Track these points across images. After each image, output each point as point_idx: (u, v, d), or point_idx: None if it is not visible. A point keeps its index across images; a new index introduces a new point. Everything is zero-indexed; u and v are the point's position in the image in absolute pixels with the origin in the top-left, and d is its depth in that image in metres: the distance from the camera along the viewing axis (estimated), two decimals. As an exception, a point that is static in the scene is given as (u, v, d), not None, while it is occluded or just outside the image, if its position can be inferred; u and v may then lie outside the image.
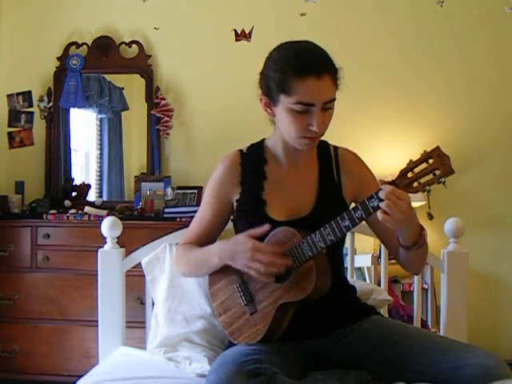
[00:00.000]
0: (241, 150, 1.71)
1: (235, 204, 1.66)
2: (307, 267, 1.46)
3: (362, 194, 1.63)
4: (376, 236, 1.72)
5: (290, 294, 1.48)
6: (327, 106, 1.49)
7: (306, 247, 1.45)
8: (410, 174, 1.36)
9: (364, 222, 1.51)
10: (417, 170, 1.35)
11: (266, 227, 1.49)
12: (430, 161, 1.33)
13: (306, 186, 1.64)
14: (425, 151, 1.34)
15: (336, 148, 1.71)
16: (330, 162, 1.68)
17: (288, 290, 1.48)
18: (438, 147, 1.33)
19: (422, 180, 1.35)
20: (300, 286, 1.47)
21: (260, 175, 1.65)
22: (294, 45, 1.54)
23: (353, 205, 1.67)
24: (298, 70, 1.45)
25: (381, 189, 1.36)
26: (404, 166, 1.38)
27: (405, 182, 1.36)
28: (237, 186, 1.66)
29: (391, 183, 1.36)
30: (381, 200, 1.34)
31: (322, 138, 1.62)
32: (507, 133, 3.44)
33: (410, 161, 1.37)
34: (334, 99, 1.51)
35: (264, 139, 1.72)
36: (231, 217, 1.72)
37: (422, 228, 1.49)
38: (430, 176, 1.34)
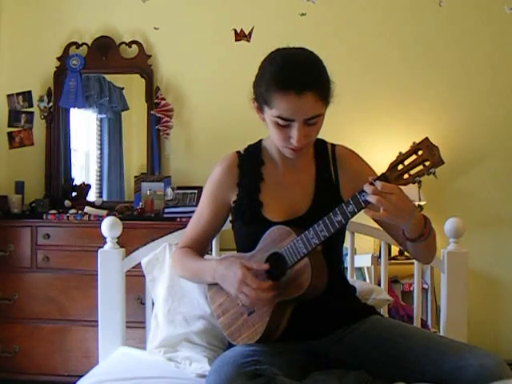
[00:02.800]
0: (238, 152, 1.71)
1: (232, 205, 1.67)
2: (302, 265, 1.46)
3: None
4: (382, 228, 1.71)
5: (287, 291, 1.48)
6: (311, 122, 1.48)
7: (301, 244, 1.45)
8: (400, 167, 1.36)
9: (371, 221, 1.51)
10: (407, 162, 1.35)
11: (265, 266, 1.49)
12: (420, 152, 1.33)
13: (302, 186, 1.64)
14: (414, 143, 1.35)
15: (334, 146, 1.71)
16: (328, 161, 1.68)
17: (284, 288, 1.49)
18: (426, 138, 1.34)
19: (412, 171, 1.35)
20: (296, 283, 1.47)
21: (257, 177, 1.65)
22: (285, 55, 1.51)
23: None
24: (280, 85, 1.44)
25: (371, 183, 1.36)
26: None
27: (395, 174, 1.36)
28: (234, 188, 1.66)
29: (381, 176, 1.37)
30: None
31: (320, 137, 1.62)
32: (507, 133, 3.44)
33: (400, 153, 1.37)
34: (319, 115, 1.49)
35: (261, 140, 1.72)
36: (229, 217, 1.72)
37: (425, 218, 1.48)
38: (420, 167, 1.34)
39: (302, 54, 1.52)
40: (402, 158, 1.36)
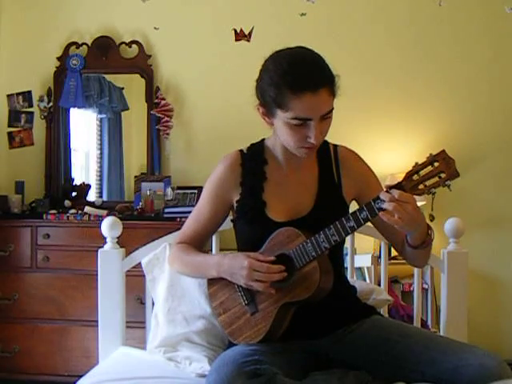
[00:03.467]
0: (241, 151, 1.71)
1: (235, 205, 1.66)
2: (311, 267, 1.47)
3: (363, 191, 1.64)
4: (380, 233, 1.72)
5: (293, 293, 1.48)
6: (325, 117, 1.49)
7: (310, 247, 1.46)
8: (415, 177, 1.38)
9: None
10: (422, 172, 1.37)
11: (271, 258, 1.49)
12: (436, 164, 1.35)
13: (305, 186, 1.64)
14: (430, 154, 1.36)
15: (335, 146, 1.72)
16: (330, 162, 1.68)
17: (291, 289, 1.49)
18: (443, 151, 1.36)
19: (428, 183, 1.37)
20: (303, 285, 1.47)
21: (260, 176, 1.65)
22: (289, 55, 1.50)
23: (354, 203, 1.68)
24: (294, 86, 1.43)
25: (387, 191, 1.37)
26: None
27: (410, 184, 1.38)
28: (237, 187, 1.66)
29: (397, 185, 1.38)
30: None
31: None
32: (507, 133, 3.44)
33: (416, 163, 1.39)
34: (332, 109, 1.50)
35: (264, 139, 1.72)
36: (231, 217, 1.72)
37: (428, 227, 1.50)
38: (436, 179, 1.36)
39: (304, 52, 1.52)
40: (417, 168, 1.38)
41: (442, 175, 1.35)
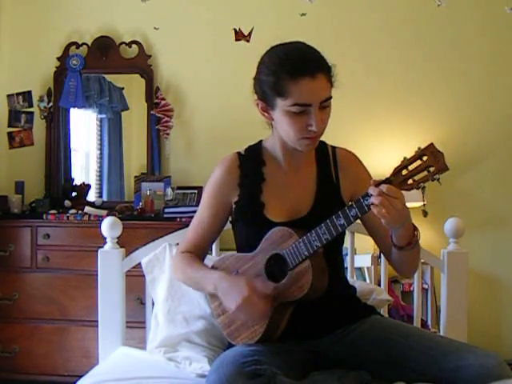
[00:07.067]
0: (239, 153, 1.70)
1: (234, 206, 1.66)
2: (304, 267, 1.46)
3: (359, 193, 1.63)
4: (369, 235, 1.71)
5: (288, 293, 1.48)
6: (324, 105, 1.49)
7: (303, 247, 1.46)
8: (404, 172, 1.36)
9: (359, 222, 1.51)
10: (411, 167, 1.35)
11: (269, 290, 1.47)
12: (424, 158, 1.33)
13: (304, 187, 1.64)
14: (419, 148, 1.34)
15: (334, 148, 1.71)
16: (329, 163, 1.68)
17: (285, 289, 1.48)
18: (431, 144, 1.34)
19: (417, 177, 1.35)
20: (297, 285, 1.47)
21: (258, 177, 1.64)
22: (285, 46, 1.53)
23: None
24: (292, 71, 1.45)
25: (376, 186, 1.36)
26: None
27: (399, 179, 1.36)
28: (235, 189, 1.65)
29: (385, 181, 1.36)
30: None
31: (321, 139, 1.61)
32: (507, 133, 3.45)
33: (404, 158, 1.37)
34: (331, 97, 1.50)
35: (261, 141, 1.72)
36: (229, 218, 1.72)
37: (415, 228, 1.48)
38: (425, 173, 1.34)
39: (301, 43, 1.54)
40: (406, 163, 1.36)
41: (431, 169, 1.33)
